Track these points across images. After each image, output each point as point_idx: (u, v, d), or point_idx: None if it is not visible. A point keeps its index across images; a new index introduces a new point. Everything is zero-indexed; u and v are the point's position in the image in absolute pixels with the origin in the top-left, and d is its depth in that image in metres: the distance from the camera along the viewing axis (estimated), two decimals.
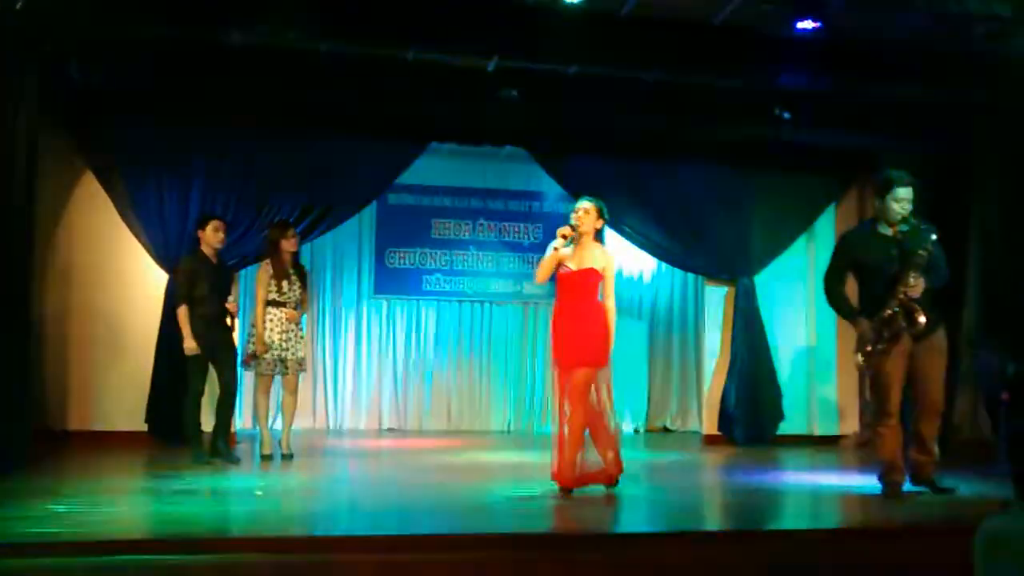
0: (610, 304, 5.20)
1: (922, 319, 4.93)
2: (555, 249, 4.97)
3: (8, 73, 5.73)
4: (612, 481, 5.13)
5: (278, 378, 6.63)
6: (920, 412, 5.15)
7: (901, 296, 4.94)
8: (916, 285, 4.92)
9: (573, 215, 5.11)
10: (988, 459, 6.45)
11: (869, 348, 5.05)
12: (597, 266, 5.09)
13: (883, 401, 5.12)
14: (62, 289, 7.44)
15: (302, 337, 6.65)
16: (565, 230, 5.00)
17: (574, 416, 5.02)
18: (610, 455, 5.12)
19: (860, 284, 5.29)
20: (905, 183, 5.06)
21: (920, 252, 4.93)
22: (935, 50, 6.61)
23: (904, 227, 5.08)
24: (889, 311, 4.97)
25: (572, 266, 5.05)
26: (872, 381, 5.22)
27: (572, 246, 5.02)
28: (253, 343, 6.48)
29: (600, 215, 5.14)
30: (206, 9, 5.99)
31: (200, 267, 6.28)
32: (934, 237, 5.01)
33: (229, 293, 6.43)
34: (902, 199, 5.05)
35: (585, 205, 5.12)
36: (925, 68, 6.73)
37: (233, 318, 6.43)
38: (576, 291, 5.06)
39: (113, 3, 5.81)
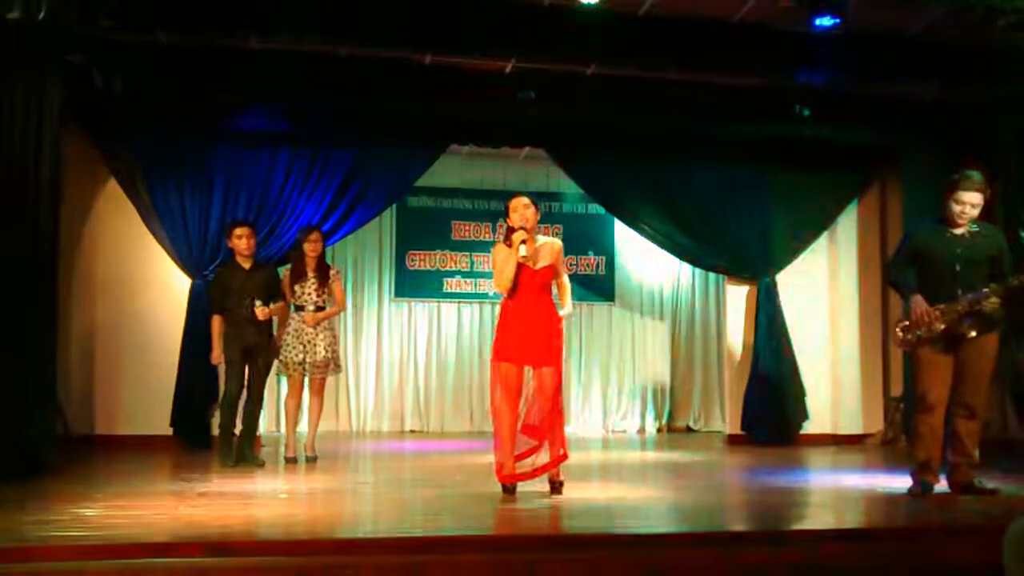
0: (567, 283, 5.23)
1: (972, 333, 4.89)
2: (523, 257, 4.92)
3: (32, 83, 5.79)
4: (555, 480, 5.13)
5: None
6: (958, 412, 5.08)
7: (970, 300, 4.90)
8: (995, 303, 4.88)
9: (516, 214, 4.98)
10: (1017, 457, 6.39)
11: (907, 323, 5.02)
12: (550, 261, 5.07)
13: (922, 393, 5.05)
14: (87, 295, 7.53)
15: (324, 339, 6.63)
16: (522, 235, 4.93)
17: (555, 417, 5.04)
18: (555, 458, 5.10)
19: (920, 277, 5.21)
20: (971, 187, 4.97)
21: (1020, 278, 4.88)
22: (956, 44, 6.55)
23: (975, 227, 5.03)
24: (949, 306, 4.93)
25: (531, 265, 5.01)
26: (913, 369, 5.17)
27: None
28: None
29: (537, 206, 5.10)
30: (226, 15, 6.04)
31: (230, 275, 6.38)
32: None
33: (270, 296, 6.40)
34: (964, 202, 4.98)
35: (525, 201, 5.02)
36: (946, 63, 6.68)
37: (260, 322, 6.40)
38: (537, 290, 5.03)
39: (134, 12, 5.87)
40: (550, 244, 5.13)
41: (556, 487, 5.08)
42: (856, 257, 8.83)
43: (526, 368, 5.05)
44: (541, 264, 5.03)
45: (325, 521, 4.50)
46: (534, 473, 5.06)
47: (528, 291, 5.01)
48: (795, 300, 8.58)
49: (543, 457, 5.09)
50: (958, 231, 5.03)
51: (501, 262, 5.01)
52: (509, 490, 5.00)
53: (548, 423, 5.03)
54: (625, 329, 10.11)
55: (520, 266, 4.95)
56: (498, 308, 9.76)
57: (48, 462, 5.74)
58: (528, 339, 4.96)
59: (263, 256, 7.35)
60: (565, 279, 5.23)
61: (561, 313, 5.13)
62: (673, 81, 7.01)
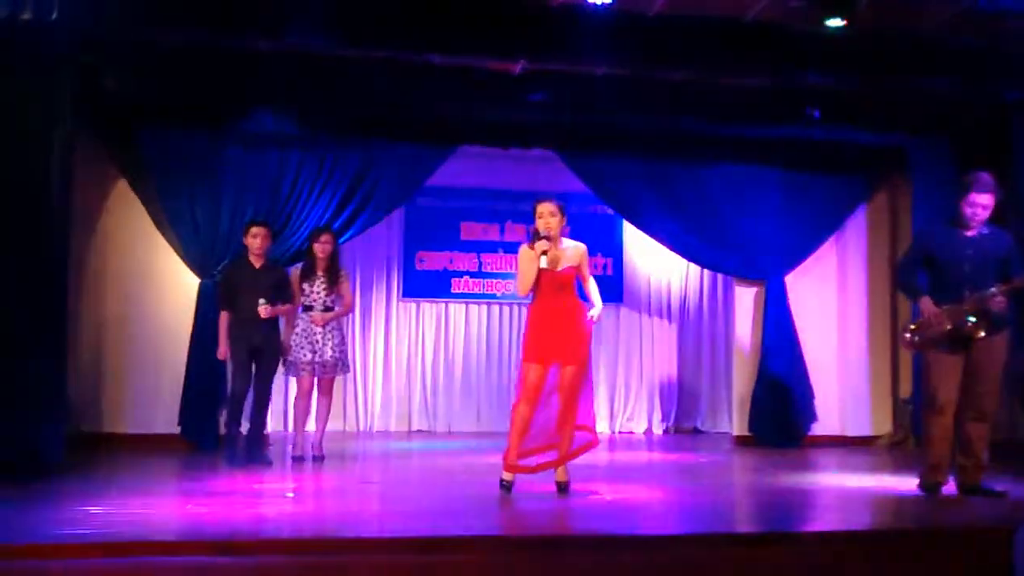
0: (594, 285, 5.28)
1: (981, 333, 4.89)
2: (542, 268, 4.96)
3: (42, 84, 5.82)
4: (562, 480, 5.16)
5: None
6: (967, 413, 5.06)
7: (976, 299, 4.89)
8: (1002, 302, 4.87)
9: (541, 221, 5.04)
10: None
11: (915, 325, 5.01)
12: (574, 263, 5.12)
13: (932, 395, 5.04)
14: (97, 294, 7.55)
15: (333, 339, 6.65)
16: (544, 245, 4.97)
17: (570, 415, 5.09)
18: (565, 458, 5.14)
19: (930, 279, 5.20)
20: (982, 189, 4.97)
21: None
22: (966, 45, 6.53)
23: (985, 229, 5.02)
24: (956, 307, 4.91)
25: (552, 269, 5.05)
26: (923, 371, 5.17)
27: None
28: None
29: (564, 212, 5.12)
30: (235, 16, 6.05)
31: (239, 273, 6.42)
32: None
33: (278, 296, 6.42)
34: (975, 204, 4.97)
35: (551, 208, 5.07)
36: (956, 64, 6.65)
37: (267, 321, 6.42)
38: (561, 290, 5.10)
39: (144, 12, 5.89)
40: (575, 247, 5.19)
41: (562, 488, 5.10)
42: (865, 258, 8.80)
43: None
44: (563, 266, 5.08)
45: (332, 520, 4.52)
46: (536, 468, 5.10)
47: (551, 293, 5.09)
48: (804, 301, 8.56)
49: (550, 455, 5.12)
50: (968, 233, 5.03)
51: (524, 266, 5.08)
52: (506, 487, 5.03)
53: (562, 421, 5.06)
54: (633, 330, 10.09)
55: (540, 271, 5.01)
56: (507, 309, 9.87)
57: (56, 460, 5.76)
58: (553, 339, 5.04)
59: (272, 257, 7.38)
60: (592, 284, 5.28)
61: (590, 314, 5.15)
62: (683, 82, 6.99)
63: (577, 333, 5.09)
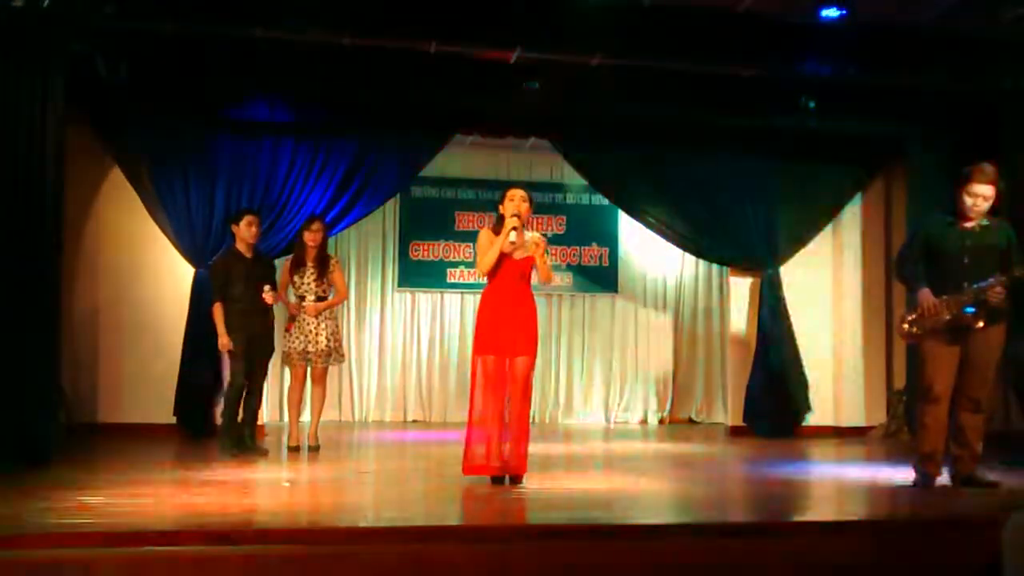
0: (552, 275, 5.29)
1: (979, 324, 4.90)
2: (511, 243, 4.97)
3: (35, 71, 5.79)
4: (518, 474, 5.09)
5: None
6: (963, 404, 5.07)
7: (975, 290, 4.90)
8: (1000, 293, 4.88)
9: (511, 203, 5.06)
10: (1018, 450, 6.38)
11: (913, 316, 5.02)
12: (531, 252, 5.11)
13: (928, 385, 5.05)
14: (91, 284, 7.54)
15: (327, 328, 6.65)
16: (515, 222, 4.99)
17: (524, 405, 5.06)
18: (519, 449, 5.09)
19: (928, 270, 5.20)
20: (983, 180, 4.96)
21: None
22: (963, 36, 6.53)
23: (985, 221, 5.02)
24: (954, 298, 4.92)
25: (515, 255, 5.06)
26: (918, 361, 5.18)
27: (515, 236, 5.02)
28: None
29: (531, 202, 5.16)
30: (230, 4, 6.03)
31: (234, 263, 6.36)
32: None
33: (270, 285, 6.43)
34: (976, 195, 4.97)
35: (523, 195, 5.11)
36: (952, 55, 6.65)
37: (269, 307, 6.44)
38: (519, 279, 5.10)
39: (137, 0, 5.86)
40: (531, 236, 5.17)
41: (516, 480, 5.07)
42: (860, 249, 8.82)
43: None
44: (522, 255, 5.08)
45: (327, 510, 4.52)
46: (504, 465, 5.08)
47: (508, 279, 5.09)
48: (798, 292, 8.57)
49: (508, 448, 5.09)
50: (968, 224, 5.03)
51: (485, 246, 5.10)
52: (499, 480, 5.02)
53: (517, 412, 5.04)
54: (628, 320, 10.11)
55: (503, 255, 5.02)
56: None
57: (51, 450, 5.75)
58: (507, 328, 5.02)
59: (265, 246, 7.38)
60: (550, 274, 5.24)
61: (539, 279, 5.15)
62: (678, 72, 6.99)
63: (530, 324, 5.09)
